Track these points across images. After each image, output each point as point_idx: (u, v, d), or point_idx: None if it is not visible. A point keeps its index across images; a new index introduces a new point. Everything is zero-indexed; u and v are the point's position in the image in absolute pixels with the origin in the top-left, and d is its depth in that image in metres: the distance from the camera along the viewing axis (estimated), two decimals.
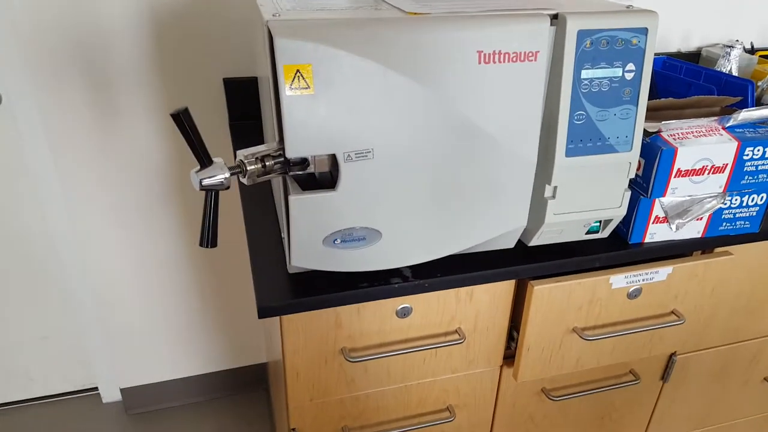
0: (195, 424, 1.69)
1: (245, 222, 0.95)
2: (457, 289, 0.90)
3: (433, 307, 0.90)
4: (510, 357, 1.01)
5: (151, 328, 1.61)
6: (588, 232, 0.89)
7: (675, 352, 1.15)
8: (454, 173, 0.76)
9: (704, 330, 1.14)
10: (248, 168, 0.71)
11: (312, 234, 0.74)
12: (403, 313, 0.89)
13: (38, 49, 1.18)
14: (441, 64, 0.69)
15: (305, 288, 0.81)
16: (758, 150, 0.89)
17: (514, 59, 0.71)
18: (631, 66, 0.76)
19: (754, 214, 0.95)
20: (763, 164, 0.90)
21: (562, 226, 0.85)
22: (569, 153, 0.78)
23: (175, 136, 1.35)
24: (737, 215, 0.95)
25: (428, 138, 0.72)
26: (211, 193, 0.70)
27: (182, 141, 1.35)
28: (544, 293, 0.90)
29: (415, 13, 0.70)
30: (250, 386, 1.80)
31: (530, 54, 0.71)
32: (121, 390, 1.69)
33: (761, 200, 0.94)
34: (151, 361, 1.66)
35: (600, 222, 0.88)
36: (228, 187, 0.70)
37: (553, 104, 0.76)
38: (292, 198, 0.71)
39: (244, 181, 0.71)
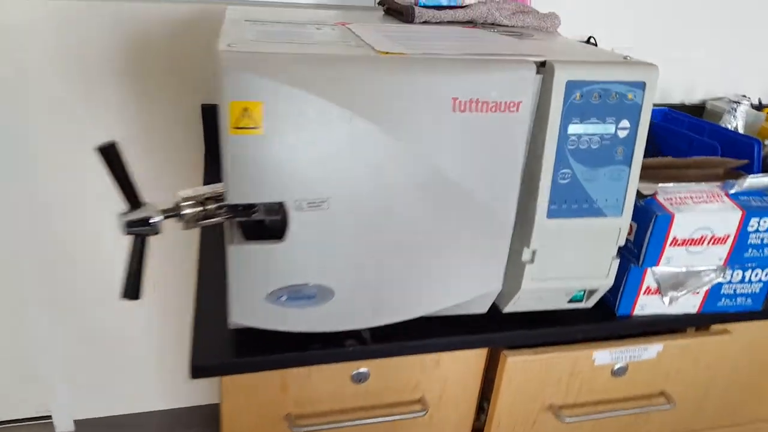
0: None
1: (198, 261, 0.87)
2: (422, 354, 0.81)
3: (394, 373, 0.82)
4: (478, 430, 0.91)
5: (112, 358, 1.51)
6: (570, 301, 0.80)
7: None
8: (422, 230, 0.68)
9: (696, 413, 1.04)
10: (186, 211, 0.63)
11: (254, 288, 0.66)
12: (359, 378, 0.80)
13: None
14: (411, 110, 0.61)
15: (249, 346, 0.72)
16: (764, 221, 0.80)
17: (494, 109, 0.63)
18: (625, 123, 0.68)
19: (757, 290, 0.86)
20: None
21: (540, 293, 0.76)
22: (551, 214, 0.70)
23: (152, 165, 1.27)
24: (738, 291, 0.86)
25: (394, 190, 0.64)
26: (139, 239, 0.62)
27: (152, 171, 1.27)
28: (519, 365, 0.81)
29: (387, 53, 0.63)
30: (207, 425, 1.71)
31: (512, 104, 0.64)
32: (75, 422, 1.59)
33: (765, 276, 0.85)
34: (110, 393, 1.57)
35: (584, 291, 0.79)
36: (158, 233, 0.62)
37: (535, 160, 0.68)
38: (230, 248, 0.63)
39: (180, 225, 0.63)
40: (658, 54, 1.42)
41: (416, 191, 0.65)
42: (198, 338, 0.72)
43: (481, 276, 0.73)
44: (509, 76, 0.63)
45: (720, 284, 0.84)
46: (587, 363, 0.84)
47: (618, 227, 0.73)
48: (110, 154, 0.57)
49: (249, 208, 0.65)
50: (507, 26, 0.93)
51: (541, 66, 0.65)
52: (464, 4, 0.95)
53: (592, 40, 1.30)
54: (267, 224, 0.68)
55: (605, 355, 0.85)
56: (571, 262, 0.74)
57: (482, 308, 0.79)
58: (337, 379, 0.79)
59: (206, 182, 1.05)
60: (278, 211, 0.64)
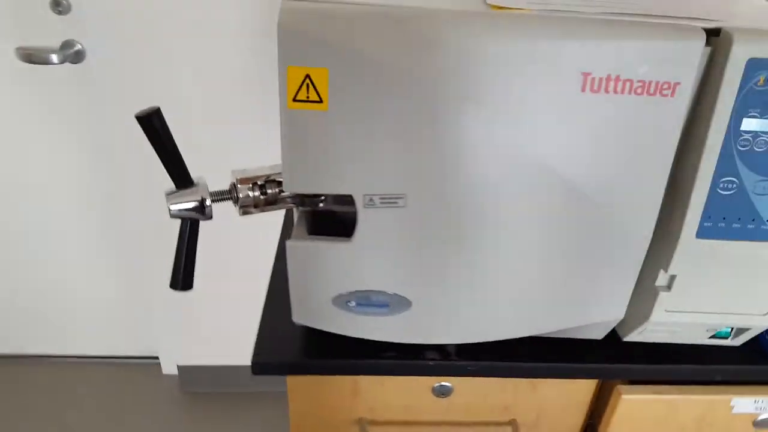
0: (245, 412, 1.59)
1: (278, 246, 0.77)
2: None
3: (482, 391, 0.69)
4: None
5: (219, 310, 1.50)
6: (713, 337, 0.63)
7: None
8: (525, 241, 0.53)
9: None
10: (242, 195, 0.52)
11: (317, 290, 0.55)
12: (442, 391, 0.68)
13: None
14: (525, 88, 0.46)
15: (317, 346, 0.62)
16: None
17: (640, 91, 0.47)
18: None
19: None
20: None
21: (674, 326, 0.60)
22: (703, 233, 0.53)
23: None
24: None
25: (491, 189, 0.50)
26: (188, 223, 0.52)
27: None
28: (635, 404, 0.66)
29: (500, 7, 0.48)
30: None
31: (665, 86, 0.47)
32: (179, 367, 1.61)
33: None
34: (215, 343, 1.57)
35: (732, 328, 0.62)
36: (209, 218, 0.52)
37: (688, 162, 0.51)
38: (289, 243, 0.52)
39: (237, 211, 0.53)
40: None
41: (522, 192, 0.50)
42: (263, 332, 0.63)
43: (601, 301, 0.58)
44: (666, 48, 0.46)
45: None
46: (723, 410, 0.68)
47: None
48: (152, 124, 0.48)
49: (315, 196, 0.53)
50: None
51: (713, 35, 0.47)
52: None
53: None
54: (339, 214, 0.56)
55: (748, 404, 0.67)
56: (721, 293, 0.57)
57: (598, 335, 0.64)
58: (416, 389, 0.68)
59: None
60: (351, 201, 0.52)
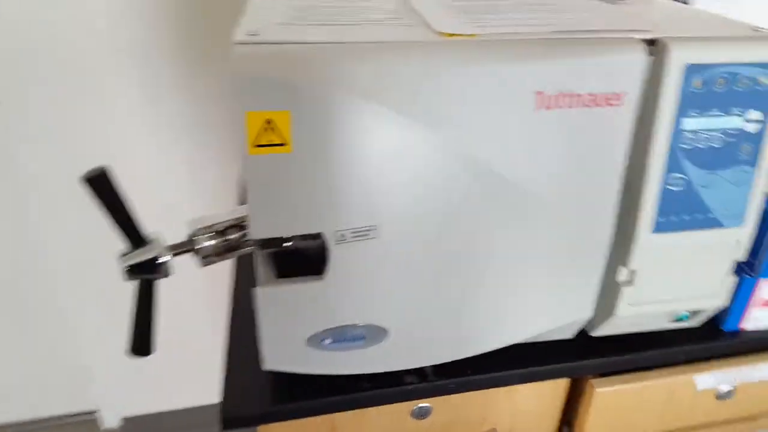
0: None
1: (232, 294, 0.74)
2: None
3: (460, 406, 0.70)
4: None
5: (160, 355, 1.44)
6: (673, 321, 0.66)
7: None
8: (495, 254, 0.54)
9: None
10: (202, 245, 0.51)
11: (291, 332, 0.54)
12: (420, 413, 0.68)
13: None
14: (483, 112, 0.47)
15: (288, 390, 0.61)
16: None
17: (590, 103, 0.49)
18: (755, 114, 0.52)
19: None
20: None
21: (638, 318, 0.63)
22: (658, 228, 0.56)
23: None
24: None
25: (460, 210, 0.51)
26: (145, 284, 0.50)
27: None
28: (609, 397, 0.68)
29: (452, 35, 0.48)
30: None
31: (613, 96, 0.49)
32: (124, 419, 1.54)
33: None
34: (156, 389, 1.50)
35: (690, 311, 0.65)
36: (168, 275, 0.50)
37: (639, 164, 0.53)
38: (259, 290, 0.51)
39: (198, 263, 0.51)
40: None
41: (489, 209, 0.51)
42: (230, 383, 0.61)
43: (568, 303, 0.60)
44: (610, 60, 0.48)
45: None
46: (688, 388, 0.71)
47: (737, 239, 0.58)
48: (100, 184, 0.45)
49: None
50: None
51: (651, 44, 0.50)
52: None
53: None
54: (304, 251, 0.55)
55: (709, 379, 0.71)
56: (678, 281, 0.60)
57: (568, 335, 0.66)
58: (395, 415, 0.68)
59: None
60: (317, 236, 0.51)
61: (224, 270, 1.18)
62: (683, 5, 0.65)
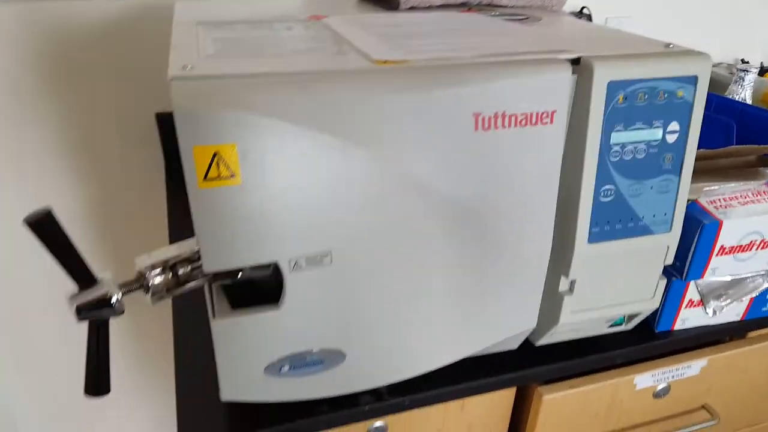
0: None
1: (174, 327, 0.73)
2: None
3: (415, 422, 0.70)
4: None
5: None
6: (611, 326, 0.70)
7: None
8: (444, 272, 0.56)
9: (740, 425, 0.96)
10: (153, 282, 0.50)
11: (248, 362, 0.54)
12: None
13: None
14: (423, 136, 0.49)
15: (242, 420, 0.60)
16: None
17: (524, 122, 0.51)
18: (674, 125, 0.57)
19: None
20: None
21: (579, 324, 0.66)
22: (593, 238, 0.59)
23: (93, 179, 1.12)
24: None
25: (408, 230, 0.52)
26: (97, 324, 0.49)
27: (104, 184, 1.12)
28: (556, 402, 0.71)
29: (385, 62, 0.50)
30: None
31: (545, 115, 0.52)
32: None
33: None
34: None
35: (625, 315, 0.69)
36: (119, 313, 0.49)
37: (572, 179, 0.57)
38: (216, 322, 0.50)
39: (148, 300, 0.50)
40: (649, 15, 1.31)
41: (435, 229, 0.53)
42: (184, 418, 0.60)
43: (514, 315, 0.62)
44: (540, 81, 0.51)
45: (767, 290, 0.75)
46: (628, 389, 0.75)
47: (666, 245, 0.62)
48: (45, 227, 0.44)
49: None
50: (507, 6, 0.81)
51: (575, 64, 0.53)
52: None
53: (585, 11, 1.18)
54: (256, 281, 0.55)
55: (647, 379, 0.75)
56: (614, 287, 0.63)
57: (513, 345, 0.68)
58: None
59: (172, 223, 0.91)
60: (269, 265, 0.52)
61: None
62: (598, 24, 0.69)
